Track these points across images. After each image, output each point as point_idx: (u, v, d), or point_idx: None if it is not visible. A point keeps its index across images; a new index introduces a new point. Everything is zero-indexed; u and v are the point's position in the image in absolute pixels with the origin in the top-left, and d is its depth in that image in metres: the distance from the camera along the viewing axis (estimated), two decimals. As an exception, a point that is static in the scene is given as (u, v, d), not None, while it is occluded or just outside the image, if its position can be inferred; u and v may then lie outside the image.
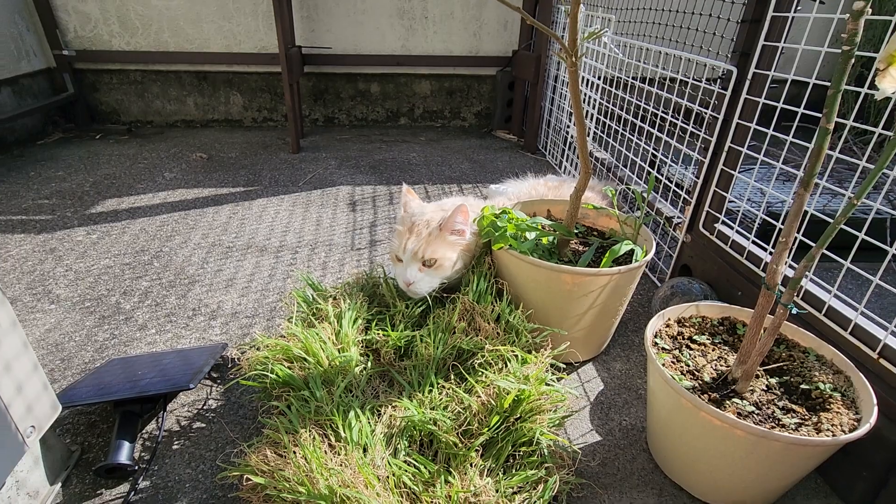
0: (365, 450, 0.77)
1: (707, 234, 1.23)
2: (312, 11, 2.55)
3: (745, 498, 0.79)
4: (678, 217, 1.36)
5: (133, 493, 0.81)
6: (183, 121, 2.78)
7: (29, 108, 2.27)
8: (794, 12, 0.98)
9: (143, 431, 0.92)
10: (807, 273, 0.88)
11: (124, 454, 0.82)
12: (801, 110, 0.94)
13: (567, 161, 2.14)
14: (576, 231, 1.19)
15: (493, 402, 0.81)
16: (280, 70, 2.26)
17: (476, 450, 0.77)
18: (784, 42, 1.01)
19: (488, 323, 0.97)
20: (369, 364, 0.95)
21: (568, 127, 2.14)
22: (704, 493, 0.82)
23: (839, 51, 0.60)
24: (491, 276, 1.07)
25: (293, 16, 2.47)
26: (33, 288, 1.33)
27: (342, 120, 2.91)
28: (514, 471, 0.78)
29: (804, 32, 0.96)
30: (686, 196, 1.31)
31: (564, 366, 1.09)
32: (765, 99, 1.05)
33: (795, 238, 0.83)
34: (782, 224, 0.90)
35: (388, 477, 0.73)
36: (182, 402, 0.99)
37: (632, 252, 1.04)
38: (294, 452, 0.74)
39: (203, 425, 0.94)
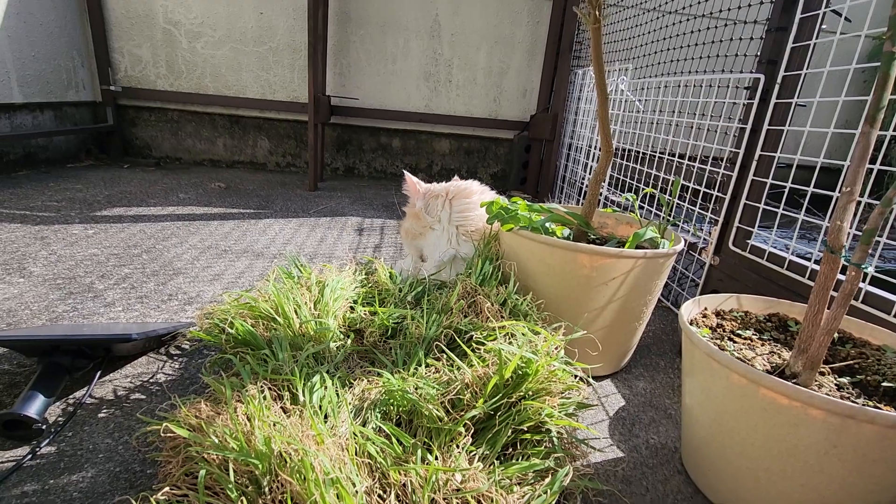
0: (326, 417, 0.61)
1: (739, 250, 1.11)
2: (345, 69, 2.74)
3: (826, 533, 0.59)
4: (703, 241, 1.25)
5: (31, 456, 0.64)
6: (210, 160, 2.87)
7: (64, 129, 2.38)
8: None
9: (69, 397, 0.77)
10: (871, 251, 0.74)
11: (34, 407, 0.67)
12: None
13: (583, 209, 2.08)
14: (594, 237, 1.08)
15: (492, 372, 0.65)
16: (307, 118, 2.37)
17: (465, 425, 0.60)
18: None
19: (492, 304, 0.84)
20: (349, 342, 0.81)
21: (583, 179, 2.12)
22: (767, 525, 0.61)
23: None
24: (496, 260, 0.96)
25: (327, 71, 2.65)
26: (7, 264, 1.24)
27: (362, 171, 2.98)
28: (513, 461, 0.60)
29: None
30: (712, 216, 1.22)
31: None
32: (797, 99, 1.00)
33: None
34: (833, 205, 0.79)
35: (349, 447, 0.56)
36: (126, 372, 0.84)
37: (657, 245, 0.93)
38: (234, 409, 0.58)
39: (143, 397, 0.78)
